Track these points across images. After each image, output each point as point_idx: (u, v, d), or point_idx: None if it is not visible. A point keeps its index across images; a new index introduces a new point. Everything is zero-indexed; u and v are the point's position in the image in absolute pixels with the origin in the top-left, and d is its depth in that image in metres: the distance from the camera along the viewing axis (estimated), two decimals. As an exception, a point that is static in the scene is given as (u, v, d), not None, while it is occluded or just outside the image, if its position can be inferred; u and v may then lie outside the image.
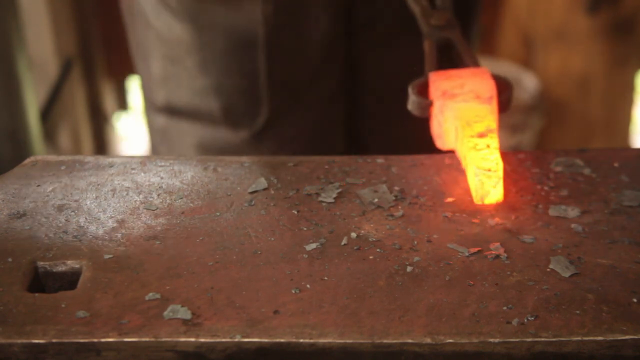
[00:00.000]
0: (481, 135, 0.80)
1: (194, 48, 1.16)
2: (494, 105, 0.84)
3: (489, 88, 0.85)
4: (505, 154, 0.85)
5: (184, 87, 1.19)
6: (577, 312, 0.66)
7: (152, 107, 1.24)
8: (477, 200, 0.78)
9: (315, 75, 1.18)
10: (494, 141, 0.79)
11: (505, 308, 0.67)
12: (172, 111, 1.21)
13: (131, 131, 2.72)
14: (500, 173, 0.77)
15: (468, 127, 0.81)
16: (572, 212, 0.77)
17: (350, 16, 1.17)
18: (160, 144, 1.26)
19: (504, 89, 0.88)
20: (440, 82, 0.87)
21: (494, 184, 0.77)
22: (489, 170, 0.77)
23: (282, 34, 1.14)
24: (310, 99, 1.19)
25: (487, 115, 0.82)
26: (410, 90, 0.88)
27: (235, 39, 1.14)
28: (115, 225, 0.75)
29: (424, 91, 0.88)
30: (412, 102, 0.88)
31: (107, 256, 0.71)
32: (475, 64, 0.91)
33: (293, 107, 1.18)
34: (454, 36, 0.94)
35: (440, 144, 0.87)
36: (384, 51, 1.19)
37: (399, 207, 0.78)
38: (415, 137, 0.92)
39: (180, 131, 1.22)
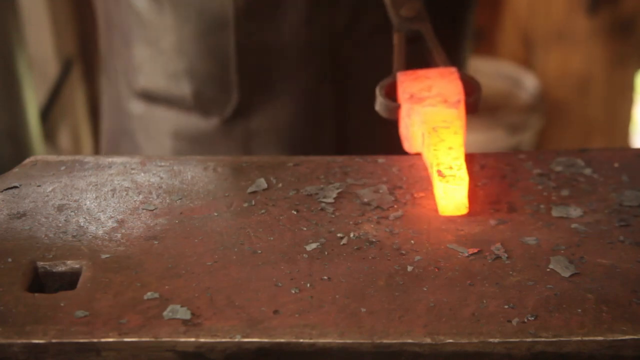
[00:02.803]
0: (446, 144, 0.79)
1: (170, 30, 1.16)
2: (461, 110, 0.83)
3: (457, 91, 0.84)
4: (505, 154, 0.85)
5: (160, 71, 1.19)
6: (577, 312, 0.66)
7: (131, 94, 1.24)
8: (441, 211, 0.77)
9: (291, 68, 1.17)
10: (460, 154, 0.78)
11: (506, 307, 0.67)
12: (149, 97, 1.22)
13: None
14: (466, 186, 0.76)
15: (434, 132, 0.80)
16: (575, 212, 0.77)
17: (333, 10, 1.16)
18: (137, 132, 1.26)
19: (473, 91, 0.87)
20: (407, 84, 0.86)
21: (459, 197, 0.76)
22: (454, 184, 0.76)
23: (253, 21, 1.13)
24: (284, 91, 1.18)
25: (454, 121, 0.81)
26: (377, 91, 0.87)
27: (207, 22, 1.14)
28: (115, 225, 0.75)
29: (392, 91, 0.87)
30: (380, 104, 0.87)
31: (107, 256, 0.71)
32: (444, 62, 0.90)
33: (265, 98, 1.18)
34: (424, 29, 0.93)
35: (407, 146, 0.86)
36: (370, 47, 1.18)
37: (399, 207, 0.78)
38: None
39: (157, 118, 1.22)
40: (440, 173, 0.77)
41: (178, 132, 1.21)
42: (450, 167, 0.77)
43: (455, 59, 1.27)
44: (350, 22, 1.16)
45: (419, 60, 0.92)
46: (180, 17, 1.15)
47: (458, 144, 0.79)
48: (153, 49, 1.19)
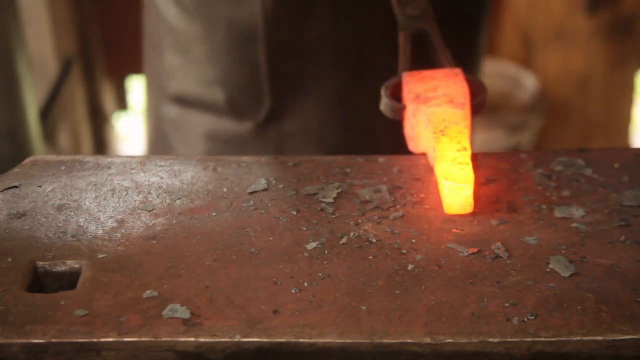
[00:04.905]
0: (452, 143, 0.79)
1: (201, 40, 1.17)
2: (467, 110, 0.83)
3: (462, 92, 0.84)
4: (505, 154, 0.85)
5: (192, 78, 1.21)
6: (577, 312, 0.66)
7: (164, 98, 1.26)
8: (447, 210, 0.77)
9: (320, 72, 1.18)
10: (465, 153, 0.78)
11: (505, 307, 0.67)
12: (182, 101, 1.24)
13: (131, 131, 2.72)
14: (471, 186, 0.76)
15: (440, 133, 0.80)
16: (577, 212, 0.77)
17: (361, 15, 1.16)
18: (171, 134, 1.29)
19: (478, 92, 0.87)
20: (413, 85, 0.86)
21: (465, 196, 0.76)
22: (460, 183, 0.76)
23: (282, 29, 1.14)
24: (314, 95, 1.19)
25: (460, 121, 0.81)
26: (383, 92, 0.87)
27: (237, 32, 1.15)
28: (115, 225, 0.75)
29: (397, 92, 0.88)
30: (385, 105, 0.87)
31: (106, 256, 0.71)
32: (450, 63, 0.90)
33: (296, 102, 1.19)
34: (430, 29, 0.93)
35: (412, 147, 0.86)
36: (395, 52, 1.18)
37: (399, 207, 0.78)
38: None
39: (190, 121, 1.24)
40: (445, 180, 0.77)
41: (212, 134, 1.23)
42: (457, 167, 0.77)
43: (472, 59, 1.28)
44: (380, 26, 1.17)
45: (425, 59, 0.92)
46: (210, 27, 1.16)
47: (464, 144, 0.79)
48: (185, 58, 1.21)
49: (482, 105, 0.86)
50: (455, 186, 0.76)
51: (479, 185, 0.80)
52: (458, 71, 0.87)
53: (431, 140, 0.81)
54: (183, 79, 1.23)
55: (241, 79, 1.19)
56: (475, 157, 0.84)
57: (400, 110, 0.86)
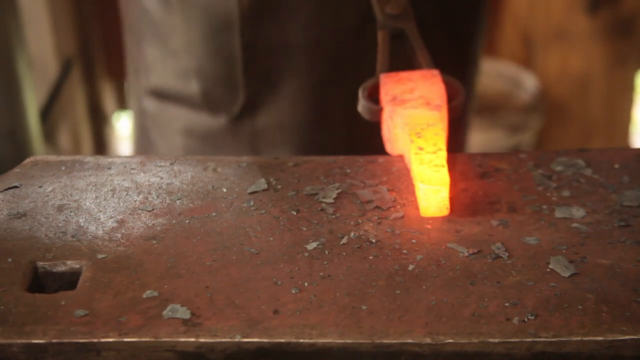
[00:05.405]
0: (428, 145, 0.79)
1: (179, 30, 1.17)
2: (443, 112, 0.83)
3: (439, 94, 0.84)
4: (505, 154, 0.85)
5: (169, 70, 1.21)
6: (577, 312, 0.66)
7: (144, 91, 1.26)
8: (422, 213, 0.76)
9: (297, 67, 1.18)
10: (441, 155, 0.78)
11: (506, 307, 0.67)
12: (161, 95, 1.23)
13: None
14: (447, 188, 0.76)
15: (416, 135, 0.80)
16: (577, 212, 0.77)
17: (342, 10, 1.16)
18: (151, 128, 1.28)
19: (455, 95, 0.87)
20: (390, 86, 0.86)
21: (440, 198, 0.76)
22: (435, 185, 0.76)
23: (258, 20, 1.14)
24: (290, 91, 1.18)
25: (436, 123, 0.81)
26: (360, 93, 0.87)
27: (214, 23, 1.15)
28: (115, 225, 0.75)
29: (375, 93, 0.87)
30: (362, 107, 0.87)
31: (106, 256, 0.71)
32: (428, 64, 0.90)
33: (271, 97, 1.19)
34: (408, 28, 0.93)
35: (389, 148, 0.86)
36: (372, 50, 1.18)
37: (399, 207, 0.78)
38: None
39: (168, 115, 1.24)
40: (420, 183, 0.76)
41: (188, 130, 1.22)
42: (432, 169, 0.77)
43: (462, 61, 1.28)
44: (361, 23, 1.16)
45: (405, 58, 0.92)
46: (188, 17, 1.16)
47: (440, 146, 0.79)
48: (163, 49, 1.20)
49: (458, 108, 0.86)
50: (431, 189, 0.76)
51: (478, 185, 0.80)
52: (435, 72, 0.87)
53: (407, 142, 0.81)
54: (161, 70, 1.22)
55: (216, 71, 1.18)
56: (474, 157, 0.84)
57: (377, 112, 0.86)
